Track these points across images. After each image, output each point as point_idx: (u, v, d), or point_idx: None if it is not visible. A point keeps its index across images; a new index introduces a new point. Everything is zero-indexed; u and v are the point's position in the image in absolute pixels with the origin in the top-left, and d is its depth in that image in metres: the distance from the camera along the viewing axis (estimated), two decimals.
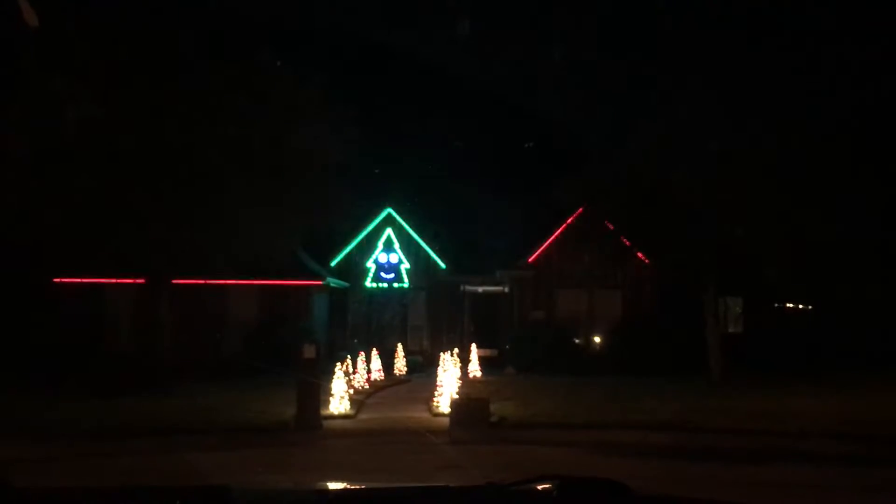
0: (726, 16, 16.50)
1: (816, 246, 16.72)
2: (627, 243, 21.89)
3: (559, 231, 23.92)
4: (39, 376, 16.52)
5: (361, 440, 11.23)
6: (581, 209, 22.47)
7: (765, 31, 16.19)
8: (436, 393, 13.66)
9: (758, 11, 16.47)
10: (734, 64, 16.57)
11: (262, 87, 15.60)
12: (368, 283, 25.74)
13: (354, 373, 16.34)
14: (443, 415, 12.67)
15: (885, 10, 15.15)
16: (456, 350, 18.51)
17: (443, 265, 25.89)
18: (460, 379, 16.60)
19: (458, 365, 17.64)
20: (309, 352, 11.97)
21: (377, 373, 18.64)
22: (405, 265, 25.79)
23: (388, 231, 25.85)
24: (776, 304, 24.55)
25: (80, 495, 2.24)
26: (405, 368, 20.84)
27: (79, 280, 21.49)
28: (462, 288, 25.78)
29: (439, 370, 14.35)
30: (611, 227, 21.31)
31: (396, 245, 25.81)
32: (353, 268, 25.84)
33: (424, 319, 26.11)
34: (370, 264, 25.77)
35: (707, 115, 16.79)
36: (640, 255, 22.50)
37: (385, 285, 25.81)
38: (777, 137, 16.28)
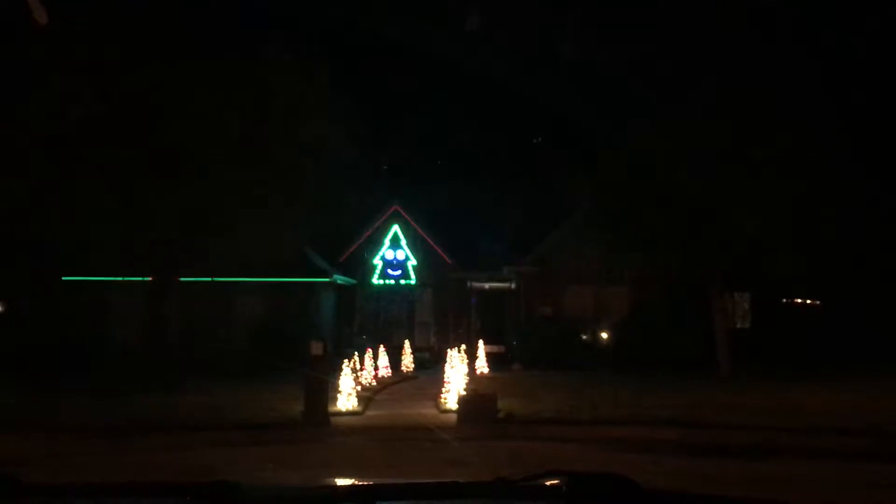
0: (738, 9, 16.46)
1: (826, 242, 16.69)
2: (634, 238, 21.85)
3: (566, 226, 23.88)
4: (46, 374, 16.58)
5: (369, 436, 11.25)
6: (588, 205, 22.44)
7: (774, 24, 16.14)
8: (443, 389, 13.67)
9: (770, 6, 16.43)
10: (744, 58, 16.54)
11: (268, 82, 15.61)
12: (375, 280, 25.76)
13: (362, 369, 16.36)
14: (450, 411, 12.69)
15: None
16: (463, 346, 18.52)
17: (449, 261, 25.87)
18: (467, 375, 16.61)
19: (466, 361, 17.64)
20: (316, 349, 11.99)
21: (384, 369, 18.66)
22: (412, 262, 25.79)
23: (395, 228, 25.86)
24: (784, 300, 24.47)
25: (89, 491, 2.25)
26: (412, 365, 20.86)
27: (86, 278, 21.56)
28: (469, 284, 25.77)
29: (446, 366, 14.37)
30: (617, 221, 21.27)
31: (403, 242, 25.82)
32: (359, 265, 25.86)
33: (431, 316, 26.11)
34: (377, 261, 25.79)
35: (717, 109, 16.78)
36: (647, 249, 22.44)
37: (392, 282, 25.83)
38: (782, 135, 16.27)
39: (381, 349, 18.98)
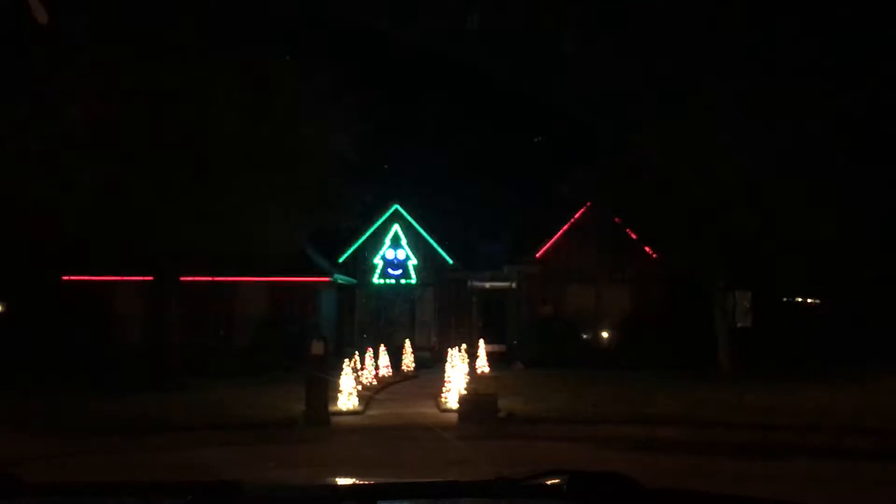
0: (736, 9, 16.47)
1: (826, 242, 16.69)
2: (635, 237, 21.89)
3: (567, 226, 23.90)
4: (48, 374, 16.59)
5: (370, 436, 11.26)
6: (589, 204, 22.47)
7: (775, 23, 16.15)
8: (444, 388, 13.67)
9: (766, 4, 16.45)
10: (744, 58, 16.55)
11: (269, 81, 15.61)
12: (376, 280, 25.76)
13: (362, 369, 16.36)
14: (451, 410, 12.69)
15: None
16: (464, 346, 18.52)
17: (450, 261, 25.88)
18: (468, 374, 16.62)
19: (466, 360, 17.64)
20: (317, 348, 12.02)
21: (385, 369, 18.66)
22: (412, 261, 25.80)
23: (396, 227, 25.86)
24: (785, 299, 24.47)
25: (90, 491, 2.25)
26: (413, 364, 20.85)
27: (87, 278, 21.58)
28: (470, 283, 25.78)
29: (447, 366, 14.37)
30: (618, 221, 21.30)
31: (404, 241, 25.83)
32: (360, 264, 25.88)
33: (432, 315, 26.12)
34: (378, 260, 25.80)
35: (718, 109, 16.78)
36: (647, 249, 22.48)
37: (392, 281, 25.83)
38: (783, 134, 16.27)
39: (382, 348, 18.98)
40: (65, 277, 21.76)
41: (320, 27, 19.26)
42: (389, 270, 25.82)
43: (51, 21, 8.81)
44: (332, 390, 12.60)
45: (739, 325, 22.97)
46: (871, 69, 15.79)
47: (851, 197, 16.36)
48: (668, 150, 17.54)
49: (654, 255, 22.44)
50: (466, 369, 16.78)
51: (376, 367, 17.95)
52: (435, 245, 26.00)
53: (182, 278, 18.17)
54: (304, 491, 2.29)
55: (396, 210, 26.06)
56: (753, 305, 24.09)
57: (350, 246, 25.97)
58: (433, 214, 26.85)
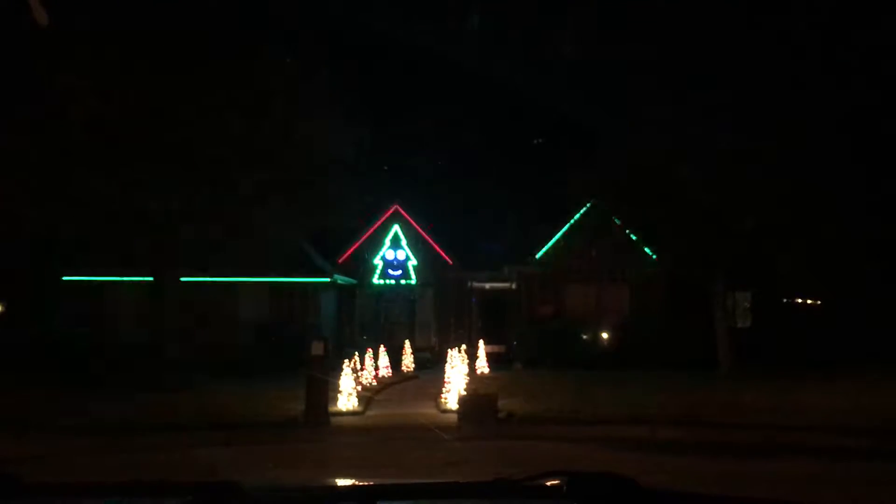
0: (732, 10, 16.49)
1: (826, 242, 16.70)
2: (635, 237, 21.90)
3: (567, 226, 23.89)
4: (48, 374, 16.59)
5: (370, 436, 11.25)
6: (589, 205, 22.47)
7: (773, 23, 16.16)
8: (444, 389, 13.67)
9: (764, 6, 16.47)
10: (743, 59, 16.55)
11: (268, 82, 15.61)
12: (376, 280, 25.75)
13: (362, 369, 16.35)
14: (451, 411, 12.69)
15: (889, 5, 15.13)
16: (464, 346, 18.52)
17: (450, 261, 25.87)
18: (468, 375, 16.61)
19: (466, 361, 17.64)
20: (317, 348, 11.99)
21: (385, 369, 18.66)
22: (412, 262, 25.78)
23: (396, 227, 25.84)
24: (785, 300, 24.46)
25: (91, 491, 2.25)
26: (413, 365, 20.85)
27: (87, 278, 21.57)
28: (469, 284, 25.77)
29: (447, 366, 14.37)
30: (618, 222, 21.31)
31: (404, 241, 25.81)
32: (360, 264, 25.85)
33: (432, 316, 26.11)
34: (378, 261, 25.78)
35: (717, 110, 16.78)
36: (647, 249, 22.49)
37: (392, 282, 25.82)
38: (783, 135, 16.28)
39: (382, 349, 18.98)
40: (65, 277, 21.76)
41: (320, 27, 19.27)
42: (389, 271, 25.80)
43: (51, 21, 8.80)
44: (332, 391, 12.60)
45: (739, 325, 22.96)
46: (871, 69, 15.80)
47: (851, 197, 16.37)
48: (668, 150, 17.54)
49: (654, 255, 22.44)
50: (466, 370, 16.78)
51: (376, 368, 17.95)
52: (434, 245, 25.99)
53: (182, 278, 18.17)
54: (304, 491, 2.29)
55: (396, 210, 26.03)
56: (753, 305, 24.08)
57: (350, 246, 25.95)
58: (433, 214, 26.83)
